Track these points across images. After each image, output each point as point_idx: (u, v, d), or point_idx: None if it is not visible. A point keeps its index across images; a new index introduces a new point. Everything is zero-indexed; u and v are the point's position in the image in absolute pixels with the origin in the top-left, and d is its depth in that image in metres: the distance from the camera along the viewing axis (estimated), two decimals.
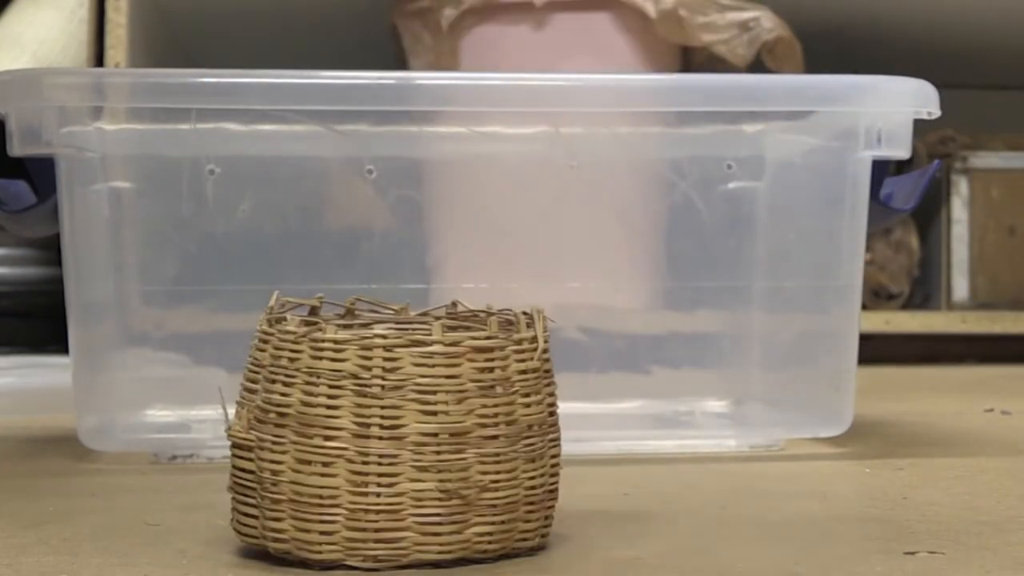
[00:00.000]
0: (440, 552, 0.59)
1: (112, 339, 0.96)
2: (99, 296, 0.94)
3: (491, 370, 0.60)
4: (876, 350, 1.80)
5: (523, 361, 0.61)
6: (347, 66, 0.94)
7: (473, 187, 1.02)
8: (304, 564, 0.60)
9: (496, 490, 0.60)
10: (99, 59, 1.72)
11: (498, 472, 0.60)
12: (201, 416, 0.97)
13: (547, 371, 0.63)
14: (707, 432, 1.01)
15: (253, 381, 0.61)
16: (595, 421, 1.03)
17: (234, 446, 0.61)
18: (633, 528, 0.69)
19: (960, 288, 1.97)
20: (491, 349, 0.60)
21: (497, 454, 0.60)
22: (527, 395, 0.61)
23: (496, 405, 0.60)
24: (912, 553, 0.62)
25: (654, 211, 1.04)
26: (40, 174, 0.90)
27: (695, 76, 1.16)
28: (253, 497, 0.60)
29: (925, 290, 2.03)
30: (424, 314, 0.67)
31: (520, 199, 1.03)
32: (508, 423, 0.60)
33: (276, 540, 0.60)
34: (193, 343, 0.98)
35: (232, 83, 0.90)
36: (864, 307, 1.24)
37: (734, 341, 1.04)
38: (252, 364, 0.62)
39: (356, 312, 0.67)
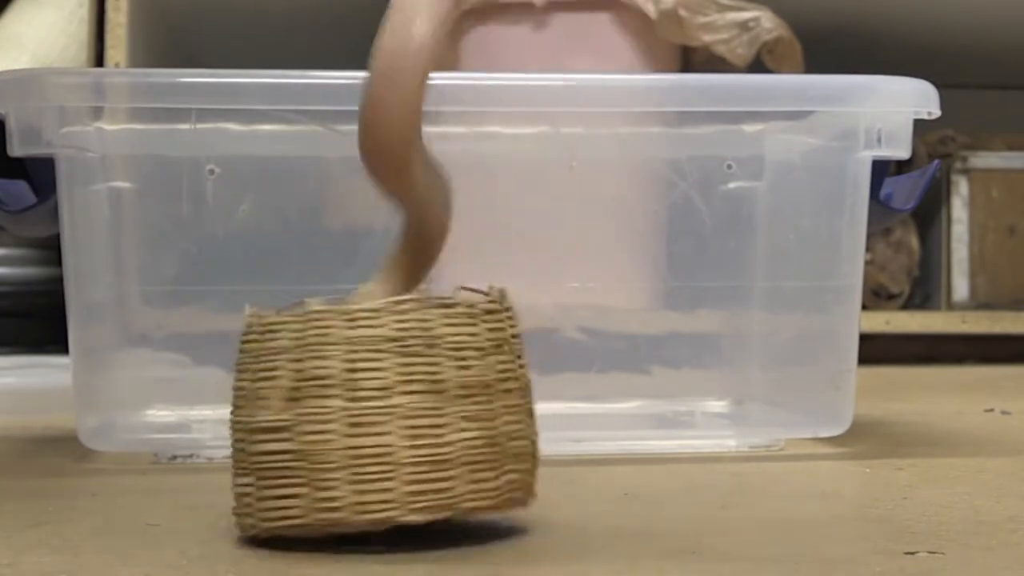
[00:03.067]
0: (483, 499, 0.63)
1: (112, 339, 0.96)
2: (99, 296, 0.94)
3: (500, 330, 0.65)
4: (876, 350, 1.80)
5: (513, 326, 0.66)
6: (347, 66, 0.94)
7: (473, 187, 1.02)
8: (315, 546, 0.60)
9: (519, 439, 0.64)
10: (99, 59, 1.73)
11: (518, 422, 0.65)
12: (201, 416, 0.97)
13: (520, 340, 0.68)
14: (707, 432, 1.01)
15: (270, 369, 0.62)
16: (595, 421, 1.03)
17: (263, 431, 0.62)
18: (633, 528, 0.69)
19: (960, 288, 1.97)
20: (497, 311, 0.65)
21: (515, 406, 0.65)
22: (519, 356, 0.66)
23: (505, 362, 0.65)
24: (912, 553, 0.62)
25: (654, 211, 1.04)
26: (40, 174, 0.90)
27: (695, 76, 1.16)
28: (293, 477, 0.61)
29: (925, 290, 2.03)
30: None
31: (520, 199, 1.03)
32: (515, 379, 0.65)
33: (329, 510, 0.61)
34: (193, 343, 0.98)
35: (232, 83, 0.90)
36: (864, 307, 1.24)
37: (734, 341, 1.04)
38: (264, 353, 0.63)
39: None
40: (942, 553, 0.62)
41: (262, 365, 0.63)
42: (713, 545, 0.65)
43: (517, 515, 0.68)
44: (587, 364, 1.03)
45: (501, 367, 0.64)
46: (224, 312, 0.97)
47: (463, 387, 0.62)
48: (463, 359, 0.63)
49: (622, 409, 1.04)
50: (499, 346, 0.65)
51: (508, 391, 0.65)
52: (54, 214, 0.90)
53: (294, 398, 0.62)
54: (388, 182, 0.66)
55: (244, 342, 0.64)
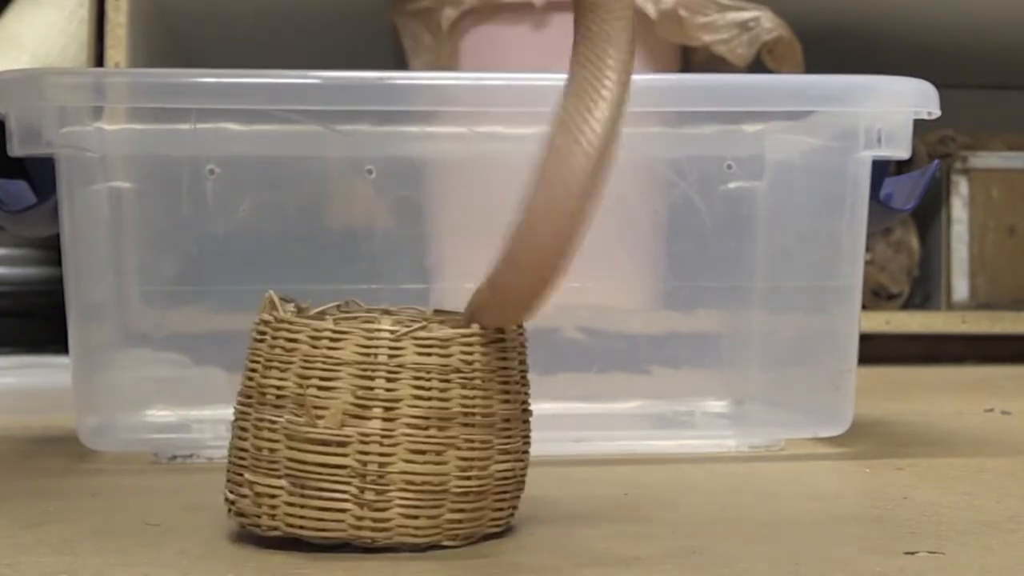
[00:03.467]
0: (498, 524, 0.65)
1: (112, 339, 0.96)
2: (99, 296, 0.94)
3: (524, 362, 0.67)
4: (876, 350, 1.80)
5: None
6: (347, 66, 0.94)
7: (473, 187, 1.02)
8: (321, 549, 0.60)
9: (524, 464, 0.67)
10: (99, 59, 1.72)
11: (527, 452, 0.67)
12: (201, 416, 0.97)
13: None
14: (707, 432, 1.01)
15: (330, 379, 0.62)
16: (595, 421, 1.03)
17: (314, 442, 0.62)
18: (633, 528, 0.69)
19: (960, 288, 1.97)
20: (525, 345, 0.67)
21: (527, 436, 0.67)
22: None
23: (528, 392, 0.67)
24: (912, 553, 0.62)
25: (654, 211, 1.04)
26: (40, 174, 0.90)
27: (695, 76, 1.16)
28: (341, 492, 0.61)
29: (925, 290, 2.03)
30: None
31: (520, 199, 1.03)
32: (528, 408, 0.67)
33: (376, 530, 0.62)
34: (193, 343, 0.98)
35: (232, 83, 0.90)
36: (864, 307, 1.24)
37: (734, 341, 1.04)
38: (321, 360, 0.62)
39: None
40: (942, 553, 0.62)
41: (319, 373, 0.63)
42: (713, 545, 0.65)
43: (517, 514, 0.68)
44: (587, 364, 1.03)
45: (520, 398, 0.66)
46: (224, 312, 0.97)
47: (504, 420, 0.65)
48: (507, 392, 0.65)
49: (622, 409, 1.04)
50: (524, 376, 0.67)
51: (526, 422, 0.67)
52: (54, 214, 0.90)
53: (357, 415, 0.62)
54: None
55: (285, 339, 0.63)
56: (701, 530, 0.69)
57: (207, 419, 0.96)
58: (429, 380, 0.62)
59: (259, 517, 0.63)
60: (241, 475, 0.64)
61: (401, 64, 1.72)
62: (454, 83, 0.98)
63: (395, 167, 0.99)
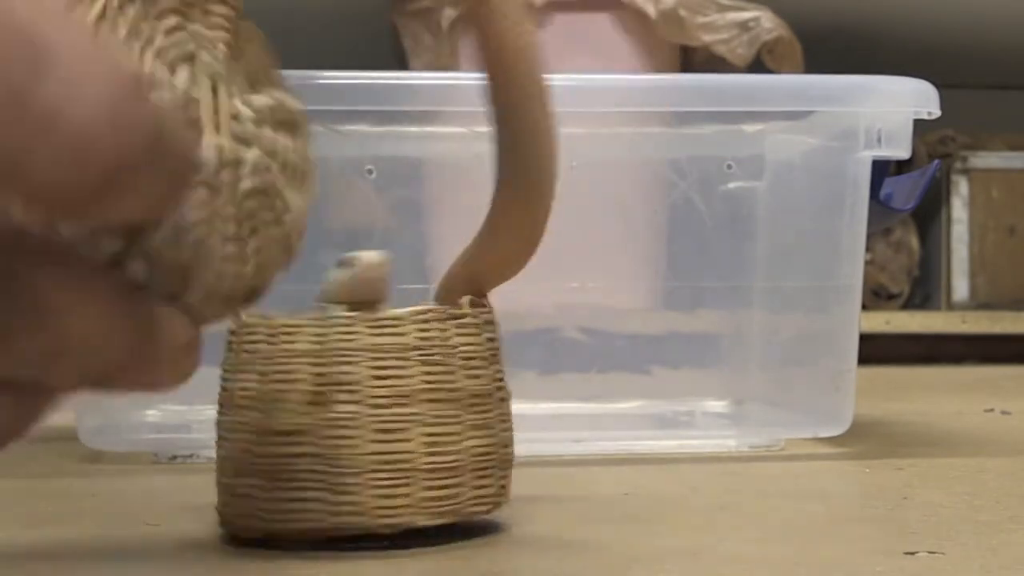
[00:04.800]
0: (483, 504, 0.65)
1: None
2: None
3: (494, 340, 0.67)
4: (876, 350, 1.80)
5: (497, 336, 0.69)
6: (347, 66, 0.94)
7: (473, 187, 1.02)
8: (332, 546, 0.60)
9: (508, 445, 0.67)
10: None
11: (508, 431, 0.67)
12: (201, 416, 0.97)
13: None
14: (707, 432, 1.01)
15: (287, 372, 0.62)
16: (595, 421, 1.03)
17: (279, 433, 0.62)
18: (633, 528, 0.69)
19: (960, 288, 1.97)
20: (492, 322, 0.67)
21: (505, 415, 0.67)
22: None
23: (499, 371, 0.67)
24: (912, 553, 0.62)
25: (654, 211, 1.04)
26: None
27: (695, 76, 1.16)
28: (311, 481, 0.61)
29: (925, 290, 2.03)
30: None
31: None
32: (504, 388, 0.67)
33: (350, 514, 0.62)
34: None
35: None
36: (864, 307, 1.24)
37: (734, 341, 1.04)
38: (279, 355, 0.63)
39: None
40: (942, 553, 0.62)
41: (276, 367, 0.63)
42: (713, 545, 0.65)
43: (517, 514, 0.68)
44: (587, 364, 1.03)
45: (497, 376, 0.66)
46: None
47: (473, 396, 0.64)
48: (473, 368, 0.65)
49: (622, 409, 1.04)
50: (495, 355, 0.67)
51: (502, 400, 0.67)
52: None
53: (316, 402, 0.62)
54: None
55: (247, 343, 0.64)
56: (701, 530, 0.69)
57: (207, 419, 0.95)
58: (386, 360, 0.63)
59: (240, 518, 0.63)
60: (223, 480, 0.64)
61: (401, 64, 1.72)
62: (454, 83, 0.98)
63: (395, 167, 0.99)
